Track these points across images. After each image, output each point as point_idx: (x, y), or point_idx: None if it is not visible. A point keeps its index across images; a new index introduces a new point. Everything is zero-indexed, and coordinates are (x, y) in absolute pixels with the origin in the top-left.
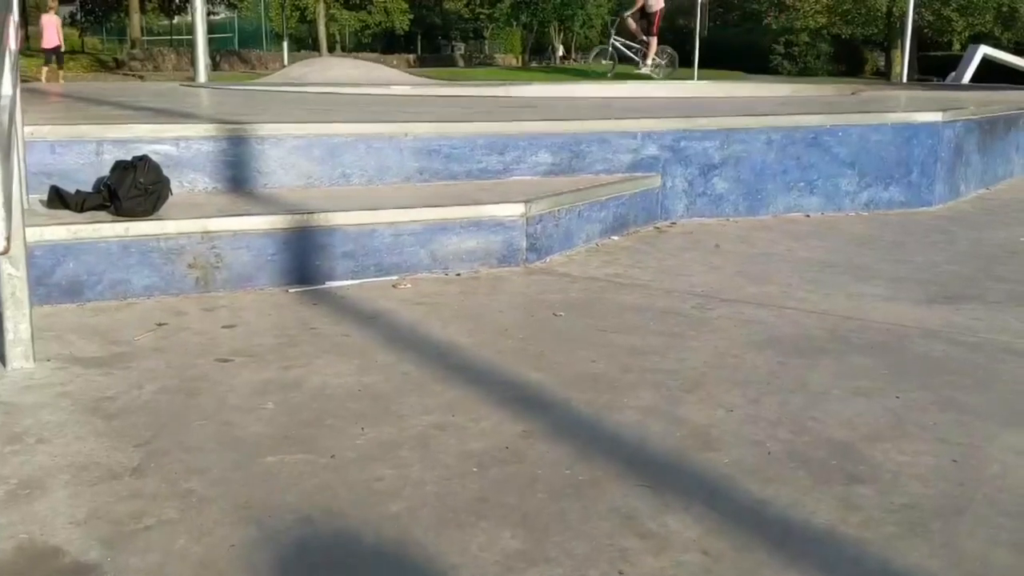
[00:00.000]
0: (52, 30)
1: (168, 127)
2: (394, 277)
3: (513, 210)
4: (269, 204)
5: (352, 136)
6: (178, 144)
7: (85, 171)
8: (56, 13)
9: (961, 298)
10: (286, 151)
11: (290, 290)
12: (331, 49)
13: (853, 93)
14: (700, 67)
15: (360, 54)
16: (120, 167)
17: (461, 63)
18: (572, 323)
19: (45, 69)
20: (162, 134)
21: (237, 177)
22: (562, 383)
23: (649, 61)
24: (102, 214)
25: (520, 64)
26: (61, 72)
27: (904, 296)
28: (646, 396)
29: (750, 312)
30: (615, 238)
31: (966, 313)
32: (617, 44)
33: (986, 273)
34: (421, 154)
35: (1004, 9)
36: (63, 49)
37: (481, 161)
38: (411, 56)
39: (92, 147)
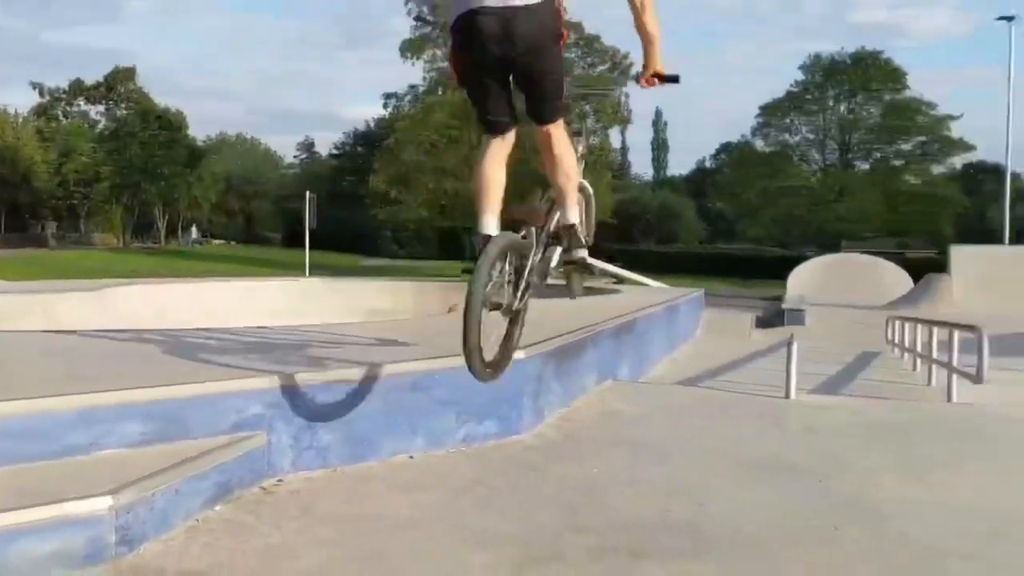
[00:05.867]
0: None
1: None
2: None
3: (99, 504)
4: None
5: None
6: None
7: None
8: None
9: (550, 560)
10: None
11: None
12: None
13: (450, 310)
14: (314, 248)
15: None
16: None
17: (53, 242)
18: None
19: None
20: None
21: None
22: None
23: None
24: None
25: (121, 244)
26: None
27: (506, 567)
28: None
29: None
30: (218, 508)
31: None
32: None
33: (567, 524)
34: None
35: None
36: None
37: (67, 438)
38: None
39: None
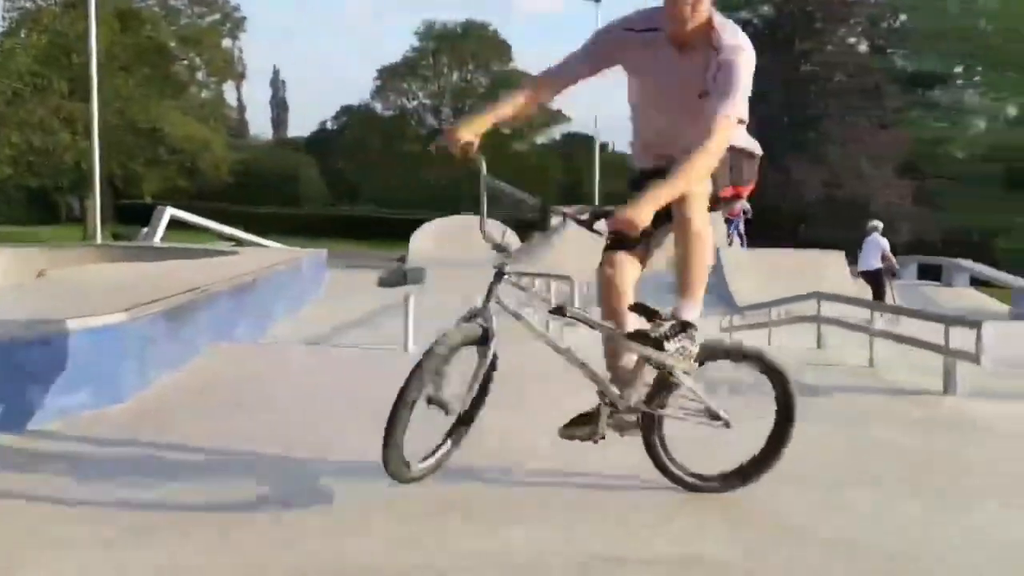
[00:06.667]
0: None
1: None
2: None
3: None
4: None
5: None
6: None
7: None
8: None
9: (154, 529)
10: None
11: None
12: None
13: (39, 274)
14: None
15: None
16: None
17: None
18: None
19: None
20: None
21: None
22: None
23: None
24: None
25: None
26: None
27: (113, 539)
28: None
29: None
30: None
31: None
32: None
33: (179, 489)
34: None
35: (187, 165)
36: None
37: None
38: None
39: None
